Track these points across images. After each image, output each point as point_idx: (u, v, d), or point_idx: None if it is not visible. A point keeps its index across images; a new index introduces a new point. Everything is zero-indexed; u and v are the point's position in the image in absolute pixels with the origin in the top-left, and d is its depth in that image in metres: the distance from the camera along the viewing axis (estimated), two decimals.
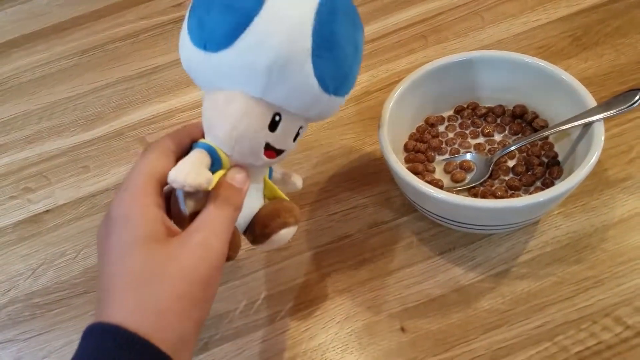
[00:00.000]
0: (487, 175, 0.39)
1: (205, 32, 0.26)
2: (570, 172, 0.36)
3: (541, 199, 0.32)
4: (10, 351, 0.39)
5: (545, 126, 0.40)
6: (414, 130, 0.43)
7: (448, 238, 0.39)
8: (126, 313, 0.23)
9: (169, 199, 0.28)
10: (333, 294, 0.38)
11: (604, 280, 0.35)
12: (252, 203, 0.31)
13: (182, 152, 0.29)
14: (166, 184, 0.27)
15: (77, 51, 0.63)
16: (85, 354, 0.23)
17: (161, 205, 0.26)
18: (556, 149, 0.40)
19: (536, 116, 0.41)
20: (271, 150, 0.28)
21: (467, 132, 0.42)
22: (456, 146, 0.42)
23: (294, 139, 0.29)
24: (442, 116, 0.43)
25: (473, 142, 0.42)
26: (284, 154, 0.29)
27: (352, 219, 0.42)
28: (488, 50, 0.41)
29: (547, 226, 0.39)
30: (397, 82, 0.40)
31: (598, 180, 0.40)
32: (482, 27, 0.53)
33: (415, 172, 0.39)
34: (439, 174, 0.40)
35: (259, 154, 0.28)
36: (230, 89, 0.27)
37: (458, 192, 0.39)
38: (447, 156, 0.41)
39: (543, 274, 0.36)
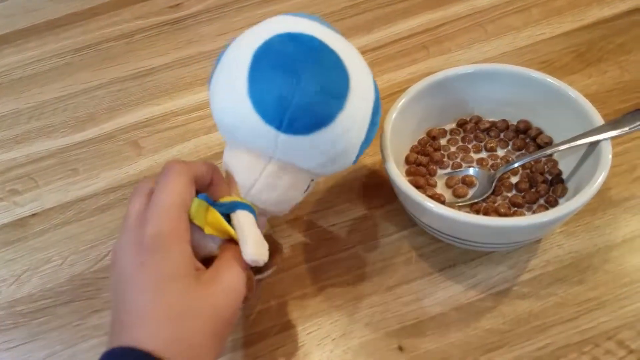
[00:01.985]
0: (490, 192, 0.38)
1: (287, 113, 0.26)
2: (575, 191, 0.35)
3: (545, 219, 0.31)
4: None
5: (549, 143, 0.39)
6: (416, 143, 0.42)
7: (448, 254, 0.38)
8: (160, 342, 0.23)
9: None
10: (330, 309, 0.37)
11: (607, 302, 0.35)
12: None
13: (199, 187, 0.28)
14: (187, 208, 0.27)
15: (70, 49, 0.61)
16: None
17: (189, 238, 0.27)
18: (560, 166, 0.39)
19: (540, 132, 0.40)
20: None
21: (470, 146, 0.41)
22: (458, 160, 0.41)
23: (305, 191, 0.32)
24: (444, 129, 0.43)
25: (475, 156, 0.41)
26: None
27: (351, 231, 0.41)
28: (493, 63, 0.41)
29: (549, 245, 0.38)
30: (398, 92, 0.39)
31: (601, 200, 0.39)
32: (485, 40, 0.53)
33: (417, 186, 0.38)
34: (440, 188, 0.40)
35: (287, 209, 0.31)
36: (283, 160, 0.28)
37: (460, 207, 0.38)
38: (449, 170, 0.41)
39: (545, 294, 0.36)
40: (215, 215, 0.28)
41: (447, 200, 0.38)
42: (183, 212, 0.26)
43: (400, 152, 0.40)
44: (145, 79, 0.56)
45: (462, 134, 0.42)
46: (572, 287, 0.36)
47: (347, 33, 0.56)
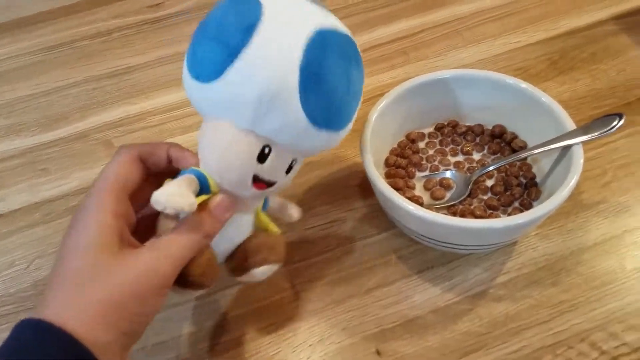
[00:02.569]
0: (467, 194, 0.38)
1: (196, 63, 0.27)
2: (548, 194, 0.36)
3: (520, 221, 0.32)
4: None
5: (524, 147, 0.40)
6: (395, 145, 0.42)
7: (426, 256, 0.38)
8: (55, 309, 0.24)
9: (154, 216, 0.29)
10: (306, 314, 0.36)
11: (579, 304, 0.35)
12: (240, 233, 0.31)
13: (155, 165, 0.29)
14: (134, 191, 0.27)
15: (44, 47, 0.59)
16: (4, 346, 0.23)
17: (123, 214, 0.27)
18: (534, 170, 0.40)
19: (515, 137, 0.41)
20: (261, 182, 0.28)
21: (447, 149, 0.42)
22: (436, 163, 0.41)
23: (287, 172, 0.29)
24: (422, 132, 0.43)
25: (453, 159, 0.41)
26: (275, 186, 0.29)
27: (330, 234, 0.40)
28: (470, 69, 0.41)
29: (524, 247, 0.38)
30: (379, 95, 0.39)
31: (574, 203, 0.40)
32: (462, 46, 0.54)
33: (396, 188, 0.38)
34: (419, 190, 0.40)
35: (247, 184, 0.27)
36: (220, 119, 0.27)
37: (438, 209, 0.38)
38: (427, 173, 0.41)
39: (520, 296, 0.36)
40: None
41: (425, 203, 0.39)
42: (115, 185, 0.27)
43: (379, 154, 0.41)
44: (122, 77, 0.55)
45: (440, 138, 0.43)
46: (546, 289, 0.36)
47: None
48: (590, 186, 0.41)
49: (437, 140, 0.43)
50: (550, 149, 0.36)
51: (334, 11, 0.64)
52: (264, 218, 0.32)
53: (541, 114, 0.38)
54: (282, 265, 0.32)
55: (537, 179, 0.39)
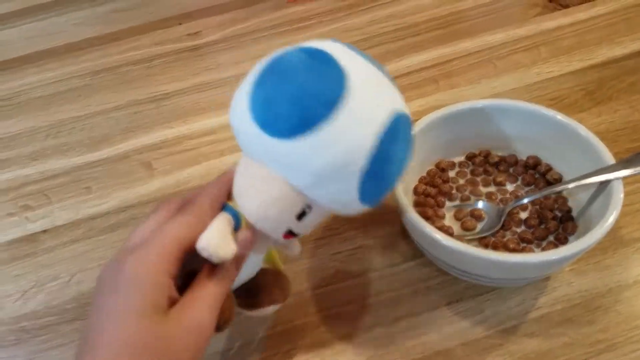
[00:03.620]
0: (499, 226, 0.38)
1: (270, 114, 0.25)
2: (585, 228, 0.35)
3: (555, 257, 0.31)
4: None
5: (559, 179, 0.39)
6: (424, 174, 0.42)
7: (455, 287, 0.38)
8: None
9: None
10: (333, 340, 0.36)
11: (618, 344, 0.34)
12: (251, 268, 0.31)
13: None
14: (189, 249, 0.27)
15: (90, 72, 0.63)
16: None
17: (175, 274, 0.26)
18: (570, 203, 0.39)
19: (550, 168, 0.40)
20: (290, 234, 0.29)
21: (479, 179, 0.42)
22: (467, 193, 0.41)
23: (315, 226, 0.30)
24: (453, 161, 0.43)
25: (484, 190, 0.41)
26: (300, 236, 0.30)
27: (357, 259, 0.40)
28: (504, 99, 0.41)
29: (558, 282, 0.37)
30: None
31: (612, 239, 0.39)
32: (494, 75, 0.54)
33: (425, 217, 0.38)
34: (448, 220, 0.39)
35: (279, 235, 0.28)
36: (271, 170, 0.27)
37: (468, 241, 0.37)
38: (457, 202, 0.41)
39: (553, 333, 0.35)
40: None
41: (455, 233, 0.38)
42: (178, 247, 0.26)
43: (408, 182, 0.41)
44: (162, 102, 0.57)
45: (471, 167, 0.43)
46: (582, 327, 0.35)
47: None
48: (629, 221, 0.40)
49: (468, 170, 0.42)
50: (587, 184, 0.35)
51: (365, 40, 0.66)
52: (274, 253, 0.33)
53: (578, 146, 0.38)
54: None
55: (573, 213, 0.38)
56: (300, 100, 0.25)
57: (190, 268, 0.27)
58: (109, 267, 0.26)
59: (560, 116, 0.39)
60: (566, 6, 0.61)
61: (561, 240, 0.37)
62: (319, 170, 0.25)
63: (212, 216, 0.28)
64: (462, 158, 0.43)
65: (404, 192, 0.35)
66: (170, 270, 0.26)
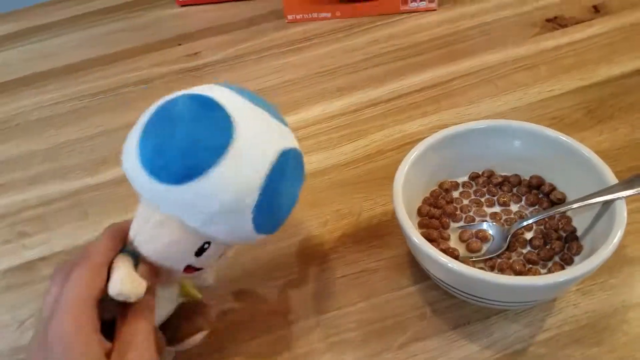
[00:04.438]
0: (505, 247, 0.38)
1: (157, 162, 0.26)
2: (590, 248, 0.35)
3: (562, 279, 0.31)
4: None
5: (563, 199, 0.39)
6: (428, 195, 0.42)
7: (462, 311, 0.37)
8: None
9: None
10: None
11: None
12: (167, 304, 0.32)
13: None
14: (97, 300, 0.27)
15: (88, 93, 0.63)
16: None
17: (98, 328, 0.26)
18: (574, 223, 0.39)
19: (554, 188, 0.40)
20: (191, 269, 0.30)
21: (483, 200, 0.41)
22: (471, 214, 0.41)
23: (217, 259, 0.31)
24: (456, 182, 0.43)
25: (489, 210, 0.41)
26: (204, 270, 0.31)
27: (362, 283, 0.40)
28: (505, 120, 0.41)
29: (564, 303, 0.37)
30: (410, 143, 0.40)
31: (617, 258, 0.39)
32: (496, 95, 0.54)
33: (430, 239, 0.38)
34: (454, 242, 0.39)
35: (179, 271, 0.30)
36: (167, 214, 0.28)
37: (474, 262, 0.37)
38: (462, 224, 0.40)
39: (562, 355, 0.34)
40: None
41: (460, 255, 0.38)
42: (90, 302, 0.26)
43: (412, 203, 0.40)
44: None
45: (474, 187, 0.42)
46: (590, 348, 0.34)
47: (360, 85, 0.58)
48: (634, 240, 0.40)
49: (471, 190, 0.42)
50: (591, 204, 0.35)
51: (366, 60, 0.66)
52: (187, 287, 0.33)
53: (581, 166, 0.38)
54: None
55: (578, 233, 0.38)
56: (186, 148, 0.26)
57: (106, 318, 0.28)
58: (32, 344, 0.27)
59: (562, 136, 0.39)
60: (564, 26, 0.61)
61: (567, 261, 0.36)
62: (211, 211, 0.27)
63: (107, 263, 0.28)
64: (465, 178, 0.43)
65: (408, 214, 0.35)
66: (95, 328, 0.26)
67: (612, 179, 0.35)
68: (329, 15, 0.68)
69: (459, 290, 0.35)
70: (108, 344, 0.27)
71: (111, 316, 0.28)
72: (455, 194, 0.42)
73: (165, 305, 0.32)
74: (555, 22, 0.62)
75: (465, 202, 0.42)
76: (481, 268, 0.37)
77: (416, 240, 0.34)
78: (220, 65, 0.64)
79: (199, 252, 0.29)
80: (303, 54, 0.64)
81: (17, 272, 0.45)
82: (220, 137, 0.26)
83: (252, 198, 0.27)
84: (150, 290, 0.28)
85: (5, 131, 0.59)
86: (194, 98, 0.27)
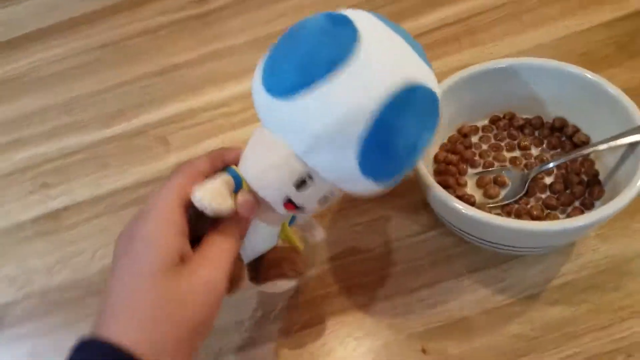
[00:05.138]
0: (523, 193, 0.37)
1: (272, 75, 0.26)
2: (612, 193, 0.34)
3: (580, 224, 0.30)
4: (25, 345, 0.39)
5: (586, 142, 0.38)
6: (445, 141, 0.41)
7: (477, 257, 0.37)
8: (129, 340, 0.24)
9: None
10: (353, 309, 0.36)
11: None
12: (264, 243, 0.31)
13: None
14: (189, 204, 0.27)
15: (94, 47, 0.62)
16: None
17: (184, 232, 0.27)
18: (597, 166, 0.37)
19: (577, 130, 0.38)
20: (291, 204, 0.28)
21: (503, 144, 0.40)
22: (490, 159, 0.39)
23: (320, 202, 0.29)
24: (476, 126, 0.41)
25: (508, 155, 0.39)
26: (304, 211, 0.29)
27: (375, 231, 0.40)
28: (527, 57, 0.39)
29: (584, 248, 0.36)
30: None
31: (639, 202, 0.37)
32: (521, 31, 0.50)
33: (446, 186, 0.37)
34: (470, 188, 0.38)
35: (279, 204, 0.28)
36: (276, 136, 0.27)
37: (491, 208, 0.36)
38: (480, 169, 0.39)
39: (577, 300, 0.34)
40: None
41: (477, 201, 0.37)
42: (179, 203, 0.27)
43: (429, 149, 0.39)
44: (170, 75, 0.56)
45: (494, 132, 0.41)
46: (607, 293, 0.34)
47: None
48: None
49: (491, 135, 0.41)
50: (616, 146, 0.33)
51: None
52: (290, 232, 0.33)
53: (606, 105, 0.35)
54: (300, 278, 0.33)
55: (600, 177, 0.36)
56: (303, 60, 0.25)
57: (201, 233, 0.28)
58: (122, 234, 0.27)
59: (587, 74, 0.36)
60: None
61: (587, 206, 0.35)
62: (316, 132, 0.25)
63: (208, 175, 0.28)
64: (485, 122, 0.41)
65: (424, 161, 0.34)
66: (179, 230, 0.26)
67: None
68: None
69: (473, 236, 0.34)
70: (189, 251, 0.27)
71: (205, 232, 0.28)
72: (475, 139, 0.41)
73: (263, 239, 0.31)
74: None
75: (485, 147, 0.40)
76: (498, 214, 0.36)
77: (432, 188, 0.33)
78: (228, 10, 0.62)
79: (300, 184, 0.27)
80: None
81: (43, 221, 0.47)
82: (338, 51, 0.24)
83: (360, 126, 0.24)
84: (242, 222, 0.28)
85: (19, 87, 0.59)
86: (327, 15, 0.26)
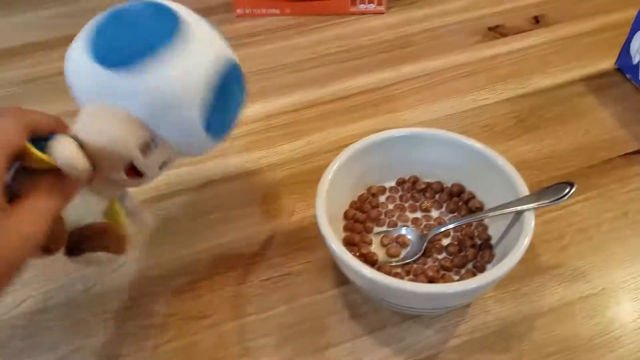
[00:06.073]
0: (421, 253, 0.38)
1: (105, 47, 0.28)
2: (502, 256, 0.36)
3: (471, 287, 0.32)
4: None
5: (481, 208, 0.40)
6: (355, 199, 0.42)
7: (380, 315, 0.38)
8: None
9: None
10: None
11: None
12: (88, 213, 0.31)
13: (34, 134, 0.27)
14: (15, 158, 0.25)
15: (21, 80, 0.60)
16: None
17: (2, 182, 0.25)
18: (490, 231, 0.40)
19: (473, 197, 0.41)
20: (133, 171, 0.29)
21: (406, 205, 0.42)
22: (394, 219, 0.41)
23: (160, 167, 0.31)
24: (384, 186, 0.43)
25: (411, 216, 0.41)
26: (144, 179, 0.31)
27: (284, 286, 0.40)
28: (431, 128, 0.42)
29: (478, 310, 0.38)
30: (347, 145, 0.40)
31: (530, 266, 0.40)
32: (432, 101, 0.55)
33: (352, 243, 0.39)
34: (375, 246, 0.40)
35: (121, 170, 0.29)
36: (115, 106, 0.28)
37: (392, 267, 0.38)
38: (384, 228, 0.41)
39: None
40: (31, 150, 0.25)
41: (380, 259, 0.38)
42: (2, 156, 0.24)
43: (340, 206, 0.41)
44: None
45: (400, 193, 0.43)
46: (498, 355, 0.35)
47: (302, 84, 0.58)
48: (547, 249, 0.41)
49: (397, 195, 0.43)
50: (504, 213, 0.36)
51: (311, 59, 0.66)
52: (118, 210, 0.32)
53: (496, 175, 0.39)
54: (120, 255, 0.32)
55: (493, 241, 0.39)
56: (137, 33, 0.28)
57: (17, 192, 0.26)
58: None
59: (479, 145, 0.39)
60: (505, 35, 0.63)
61: (479, 269, 0.37)
62: (160, 98, 0.28)
63: (17, 119, 0.26)
64: (392, 183, 0.44)
65: (335, 217, 0.35)
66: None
67: (525, 191, 0.36)
68: (278, 11, 0.67)
69: (373, 295, 0.35)
70: (4, 203, 0.25)
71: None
72: (382, 199, 0.43)
73: (85, 211, 0.30)
74: (497, 31, 0.63)
75: (390, 206, 0.42)
76: (398, 273, 0.37)
77: (332, 246, 0.34)
78: None
79: (144, 149, 0.29)
80: (249, 49, 0.63)
81: None
82: (169, 26, 0.29)
83: (200, 91, 0.29)
84: (72, 182, 0.27)
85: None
86: (147, 2, 0.30)
